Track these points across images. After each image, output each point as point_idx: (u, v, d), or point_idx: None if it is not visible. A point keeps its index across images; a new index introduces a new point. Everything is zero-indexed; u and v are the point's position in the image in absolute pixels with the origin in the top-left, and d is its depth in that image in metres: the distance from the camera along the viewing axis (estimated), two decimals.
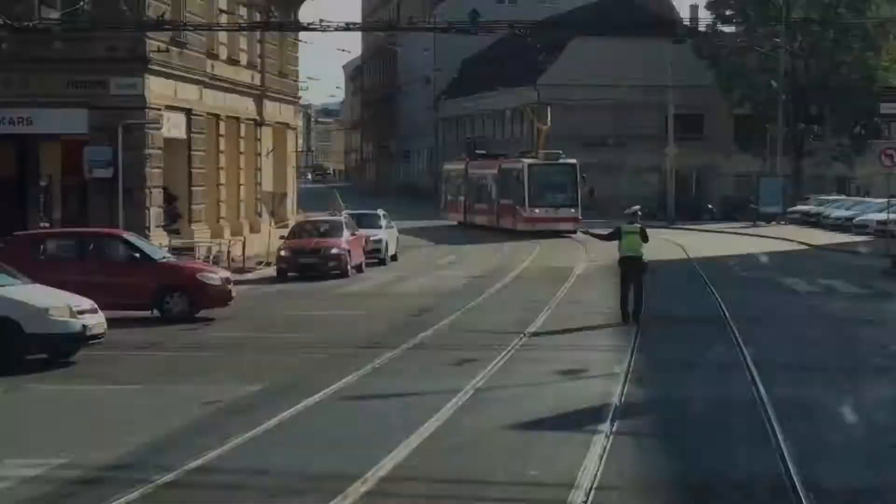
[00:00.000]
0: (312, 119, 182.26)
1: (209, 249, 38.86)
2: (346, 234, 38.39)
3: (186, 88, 38.30)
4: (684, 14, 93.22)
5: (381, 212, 47.68)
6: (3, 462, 12.89)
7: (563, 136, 63.76)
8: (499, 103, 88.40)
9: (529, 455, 13.34)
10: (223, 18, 40.85)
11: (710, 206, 76.21)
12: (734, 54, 76.75)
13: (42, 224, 37.44)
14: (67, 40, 34.78)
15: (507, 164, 59.44)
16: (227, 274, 29.46)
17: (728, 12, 78.98)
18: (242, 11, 43.54)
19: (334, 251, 37.16)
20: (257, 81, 46.43)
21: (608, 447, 13.43)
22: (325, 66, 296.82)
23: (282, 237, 40.61)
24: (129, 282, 26.73)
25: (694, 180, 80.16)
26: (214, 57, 41.23)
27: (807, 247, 51.15)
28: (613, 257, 27.65)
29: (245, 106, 45.07)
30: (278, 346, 22.86)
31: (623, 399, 16.60)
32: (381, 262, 42.77)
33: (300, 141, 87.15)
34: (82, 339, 19.68)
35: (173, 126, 37.36)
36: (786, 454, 12.99)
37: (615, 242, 26.76)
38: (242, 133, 44.88)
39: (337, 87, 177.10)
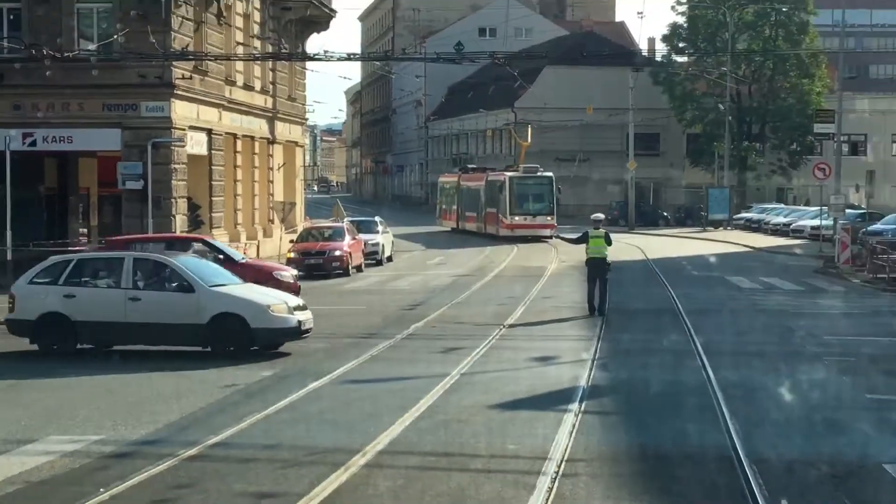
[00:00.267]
0: (318, 137, 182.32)
1: None
2: (347, 238, 38.40)
3: (207, 111, 38.24)
4: (643, 46, 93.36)
5: (377, 219, 47.61)
6: (46, 438, 12.87)
7: (536, 152, 63.83)
8: (480, 124, 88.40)
9: (508, 431, 13.34)
10: (239, 49, 40.80)
11: (665, 213, 76.30)
12: (686, 81, 76.81)
13: (80, 230, 37.39)
14: (103, 69, 34.71)
15: (492, 176, 59.41)
16: (294, 272, 29.76)
17: (681, 44, 79.05)
18: (256, 43, 43.47)
19: (337, 253, 37.18)
20: (269, 105, 46.35)
21: (577, 424, 13.44)
22: (328, 91, 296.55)
23: (291, 241, 40.59)
24: None
25: (651, 191, 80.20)
26: (232, 83, 41.17)
27: (750, 249, 51.21)
28: (581, 258, 27.65)
29: (259, 126, 45.01)
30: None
31: (590, 382, 16.61)
32: (378, 263, 42.74)
33: (307, 157, 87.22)
34: (298, 333, 19.35)
35: (196, 144, 37.31)
36: (731, 429, 13.02)
37: (583, 245, 26.78)
38: (256, 150, 44.82)
39: (339, 110, 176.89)
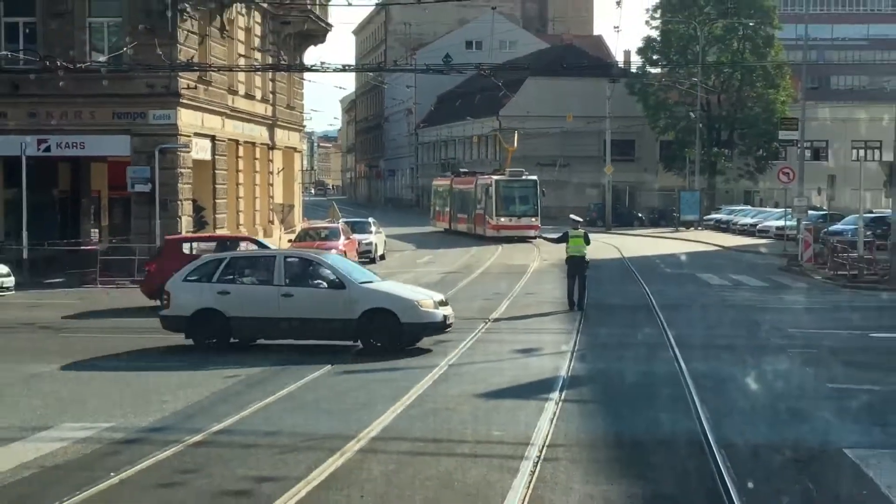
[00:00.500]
0: (315, 144, 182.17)
1: None
2: (342, 238, 38.32)
3: (211, 119, 38.22)
4: (619, 58, 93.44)
5: (371, 220, 47.62)
6: (61, 426, 12.85)
7: (520, 157, 63.81)
8: (467, 131, 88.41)
9: (493, 419, 13.35)
10: (241, 61, 40.77)
11: (640, 214, 76.43)
12: (659, 91, 76.88)
13: (92, 230, 37.33)
14: (113, 79, 34.66)
15: (481, 180, 59.11)
16: None
17: (654, 56, 79.17)
18: (257, 55, 43.44)
19: (333, 252, 37.08)
20: (269, 113, 46.31)
21: (557, 412, 13.46)
22: (325, 100, 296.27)
23: (290, 241, 40.53)
24: None
25: (627, 194, 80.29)
26: (234, 93, 41.13)
27: (719, 248, 51.29)
28: (561, 257, 27.69)
29: (259, 133, 44.96)
30: None
31: (570, 372, 16.63)
32: (372, 261, 42.58)
33: (305, 162, 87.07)
34: (443, 327, 19.04)
35: (200, 149, 37.28)
36: (701, 416, 13.04)
37: (563, 245, 26.82)
38: (257, 155, 44.77)
39: (335, 118, 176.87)
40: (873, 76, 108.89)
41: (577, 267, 26.03)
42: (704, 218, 68.38)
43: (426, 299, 18.99)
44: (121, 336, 21.79)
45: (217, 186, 39.13)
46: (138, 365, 17.82)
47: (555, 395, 14.60)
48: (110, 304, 28.01)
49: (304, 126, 57.47)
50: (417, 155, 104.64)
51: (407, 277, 34.86)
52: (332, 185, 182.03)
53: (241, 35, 41.67)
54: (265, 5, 44.07)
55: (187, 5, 35.15)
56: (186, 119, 35.66)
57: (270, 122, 46.45)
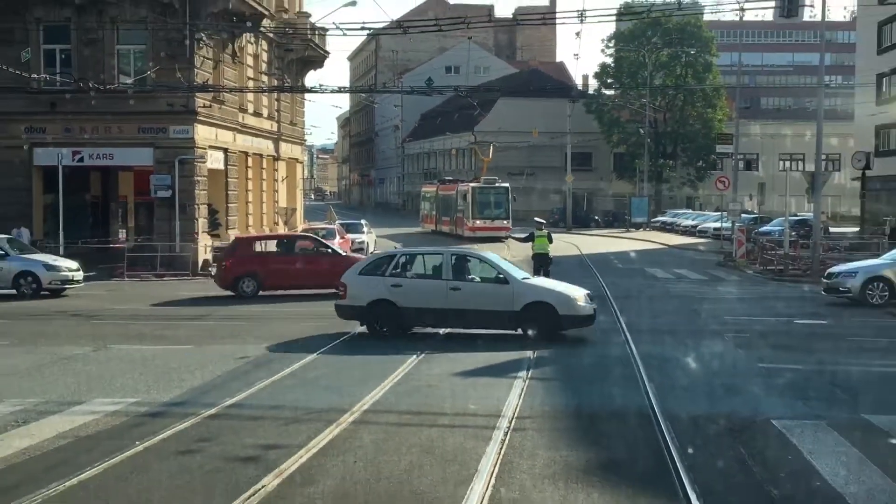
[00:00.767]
0: (314, 155, 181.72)
1: None
2: (337, 237, 38.25)
3: (224, 133, 38.11)
4: (578, 81, 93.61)
5: (363, 221, 47.62)
6: (92, 400, 12.80)
7: (492, 167, 63.77)
8: (447, 144, 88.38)
9: (469, 394, 13.35)
10: (250, 83, 40.66)
11: (596, 217, 76.52)
12: (613, 110, 77.16)
13: (120, 230, 37.20)
14: (138, 98, 34.57)
15: (461, 187, 58.80)
16: None
17: (608, 80, 79.43)
18: (264, 78, 43.33)
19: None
20: (275, 128, 46.19)
21: (525, 388, 13.48)
22: (323, 117, 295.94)
23: None
24: (322, 269, 26.84)
25: (585, 199, 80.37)
26: (244, 111, 41.02)
27: (664, 246, 51.44)
28: (528, 253, 27.72)
29: (266, 146, 44.84)
30: (290, 317, 22.76)
31: (535, 354, 16.62)
32: None
33: (305, 171, 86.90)
34: (592, 319, 18.56)
35: (214, 160, 37.19)
36: (649, 391, 13.08)
37: (530, 243, 26.87)
38: (264, 165, 44.66)
39: (332, 133, 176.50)
40: (797, 98, 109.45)
41: (541, 262, 26.16)
42: (652, 220, 68.58)
43: (580, 294, 18.62)
44: (224, 323, 21.71)
45: (229, 192, 39.05)
46: (155, 344, 17.81)
47: (522, 373, 14.63)
48: (190, 294, 28.15)
49: (304, 140, 57.32)
50: (404, 165, 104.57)
51: None
52: (330, 191, 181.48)
53: (250, 60, 41.55)
54: (271, 35, 43.94)
55: (203, 35, 35.09)
56: (202, 134, 35.57)
57: (276, 136, 46.33)
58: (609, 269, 35.78)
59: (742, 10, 49.80)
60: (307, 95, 53.34)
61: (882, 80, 58.88)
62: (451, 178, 66.63)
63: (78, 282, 28.18)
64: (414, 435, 10.90)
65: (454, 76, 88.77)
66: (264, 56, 43.94)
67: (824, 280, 25.85)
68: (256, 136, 43.01)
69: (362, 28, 37.12)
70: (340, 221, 46.43)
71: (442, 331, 19.35)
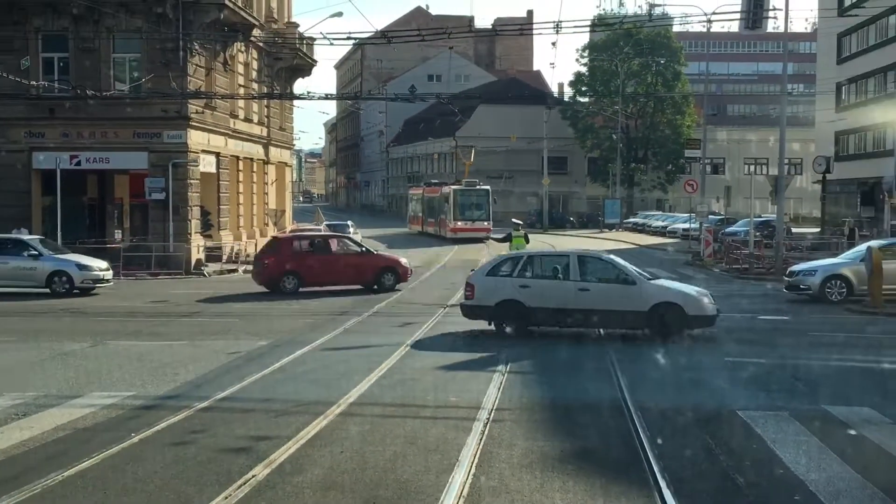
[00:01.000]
0: (302, 159, 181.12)
1: (232, 248, 38.62)
2: None
3: (216, 138, 37.98)
4: (554, 89, 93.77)
5: (349, 222, 47.59)
6: (90, 394, 12.75)
7: (473, 171, 63.71)
8: (429, 149, 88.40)
9: (450, 387, 13.37)
10: (241, 90, 40.55)
11: (571, 218, 76.67)
12: (587, 116, 77.33)
13: (116, 231, 37.02)
14: (133, 105, 34.43)
15: (445, 189, 58.63)
16: (408, 261, 29.76)
17: (583, 88, 79.65)
18: (254, 85, 43.21)
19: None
20: (264, 133, 46.06)
21: (504, 382, 13.50)
22: (311, 123, 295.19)
23: None
24: (355, 266, 27.64)
25: (561, 201, 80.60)
26: (235, 116, 40.89)
27: (635, 246, 51.50)
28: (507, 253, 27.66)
29: (256, 150, 44.72)
30: (279, 314, 22.74)
31: (513, 349, 16.63)
32: None
33: (294, 174, 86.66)
34: (715, 320, 18.09)
35: (207, 164, 37.06)
36: (622, 384, 13.13)
37: (507, 243, 26.91)
38: (254, 169, 44.54)
39: (319, 138, 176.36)
40: (761, 105, 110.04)
41: None
42: (624, 221, 68.75)
43: (704, 295, 18.27)
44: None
45: (221, 195, 38.91)
46: (150, 339, 17.74)
47: (501, 367, 14.64)
48: (229, 290, 28.43)
49: (293, 145, 57.18)
50: (388, 169, 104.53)
51: None
52: (317, 194, 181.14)
53: (241, 69, 41.42)
54: (261, 44, 43.82)
55: (196, 44, 34.99)
56: (195, 138, 35.45)
57: (265, 141, 46.20)
58: None
59: (709, 21, 50.11)
60: (296, 102, 53.12)
61: (841, 88, 59.31)
62: (436, 180, 66.52)
63: (108, 281, 28.01)
64: (398, 426, 10.91)
65: (436, 84, 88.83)
66: (254, 64, 43.81)
67: (786, 278, 25.96)
68: (247, 140, 42.89)
69: (348, 38, 36.68)
70: (328, 223, 46.36)
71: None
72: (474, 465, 9.16)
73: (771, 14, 26.98)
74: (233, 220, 40.67)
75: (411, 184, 76.24)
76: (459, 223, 55.32)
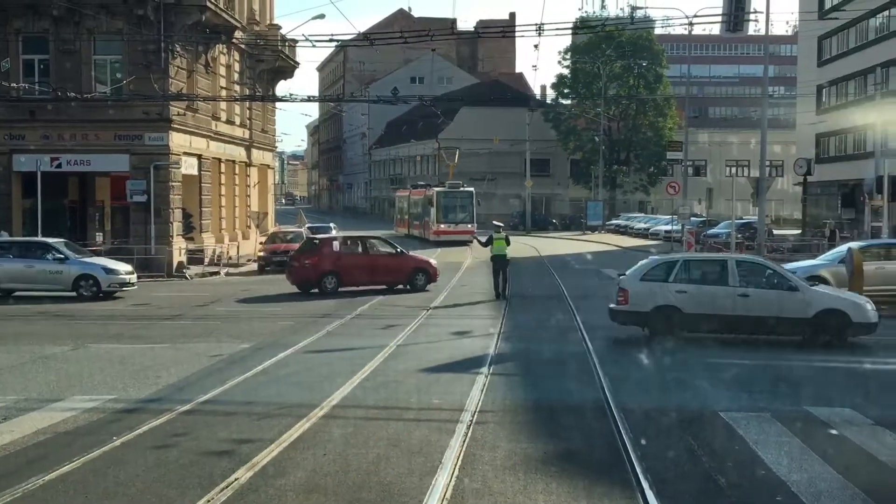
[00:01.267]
0: (285, 161, 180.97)
1: (214, 251, 38.51)
2: None
3: (198, 140, 37.87)
4: (537, 91, 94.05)
5: (332, 224, 47.53)
6: (71, 398, 12.68)
7: (455, 173, 63.85)
8: (412, 151, 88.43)
9: (433, 389, 13.35)
10: (223, 92, 40.44)
11: (554, 220, 76.89)
12: (569, 119, 77.52)
13: (97, 234, 36.85)
14: (115, 107, 34.32)
15: (429, 191, 58.32)
16: (435, 262, 30.42)
17: (565, 90, 79.86)
18: (236, 87, 43.11)
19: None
20: (247, 135, 45.97)
21: (487, 383, 13.49)
22: (293, 125, 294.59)
23: (260, 243, 40.22)
24: (390, 266, 28.39)
25: (543, 203, 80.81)
26: (217, 119, 40.80)
27: (618, 248, 51.66)
28: (489, 255, 27.73)
29: (238, 152, 44.62)
30: (262, 316, 22.68)
31: (497, 351, 16.69)
32: None
33: (276, 177, 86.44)
34: (877, 327, 17.28)
35: (189, 166, 36.95)
36: (604, 386, 13.15)
37: (489, 246, 26.96)
38: (237, 171, 44.44)
39: (302, 140, 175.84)
40: (742, 107, 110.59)
41: (499, 264, 26.22)
42: (606, 223, 68.90)
43: (867, 302, 17.75)
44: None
45: (203, 197, 38.82)
46: (133, 343, 17.64)
47: (484, 369, 14.64)
48: (274, 291, 28.77)
49: (275, 147, 57.05)
50: (371, 171, 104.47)
51: None
52: (300, 196, 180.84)
53: (222, 70, 41.32)
54: (243, 46, 43.74)
55: (177, 46, 34.88)
56: (177, 141, 35.34)
57: (248, 143, 46.11)
58: (566, 270, 35.91)
59: (691, 24, 50.19)
60: (278, 104, 53.16)
61: (822, 90, 59.63)
62: (423, 182, 66.38)
63: (132, 284, 27.78)
64: (381, 429, 10.89)
65: (419, 86, 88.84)
66: (236, 66, 43.72)
67: None
68: (229, 143, 42.79)
69: (331, 40, 36.80)
70: (309, 225, 46.27)
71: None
72: (457, 467, 9.16)
73: (752, 17, 27.12)
74: (215, 222, 40.56)
75: (396, 186, 76.15)
76: (443, 226, 55.05)
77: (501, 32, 35.13)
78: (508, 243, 26.72)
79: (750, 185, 38.48)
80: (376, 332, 19.43)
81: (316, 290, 27.62)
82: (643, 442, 10.12)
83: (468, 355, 16.35)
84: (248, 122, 46.11)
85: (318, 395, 12.50)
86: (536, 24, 32.28)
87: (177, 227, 35.51)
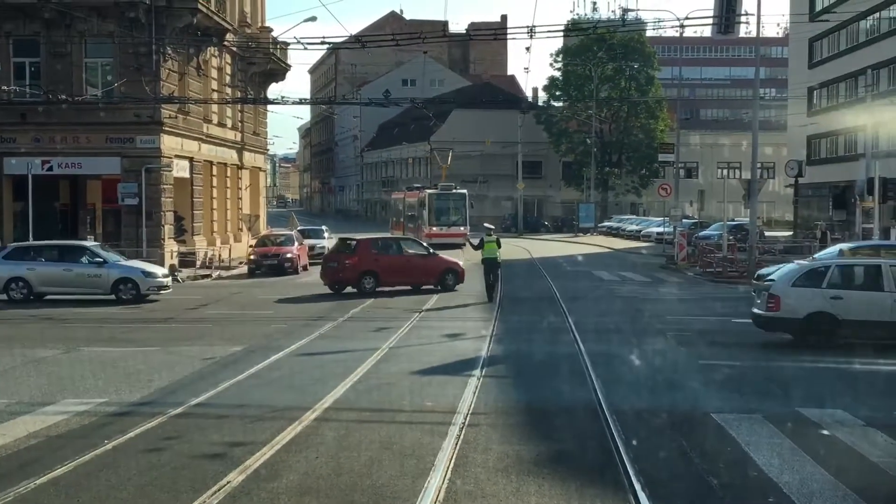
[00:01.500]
0: (276, 164, 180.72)
1: (206, 253, 38.44)
2: (295, 243, 38.13)
3: (189, 143, 37.83)
4: (528, 94, 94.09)
5: (324, 227, 47.46)
6: (62, 401, 12.65)
7: (447, 176, 63.77)
8: (404, 154, 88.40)
9: (426, 392, 13.36)
10: (214, 95, 40.41)
11: (545, 222, 76.94)
12: (561, 121, 77.59)
13: (88, 237, 36.75)
14: (106, 110, 34.29)
15: (422, 193, 57.98)
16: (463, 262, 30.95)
17: (557, 93, 79.88)
18: (228, 90, 43.07)
19: (289, 255, 36.79)
20: (238, 138, 45.93)
21: (479, 385, 13.50)
22: (285, 128, 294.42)
23: (250, 246, 40.17)
24: (426, 268, 28.90)
25: (535, 205, 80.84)
26: (209, 121, 40.75)
27: (610, 250, 51.71)
28: (480, 258, 27.74)
29: (230, 155, 44.56)
30: (254, 320, 22.64)
31: (489, 353, 16.69)
32: None
33: (268, 179, 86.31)
34: None
35: (180, 169, 36.90)
36: (596, 387, 13.17)
37: (481, 249, 26.99)
38: (228, 174, 44.39)
39: (293, 142, 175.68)
40: (734, 109, 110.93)
41: (491, 267, 26.24)
42: (598, 225, 68.97)
43: None
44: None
45: (195, 200, 38.76)
46: (125, 346, 17.61)
47: (477, 371, 14.65)
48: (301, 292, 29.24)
49: (267, 149, 56.96)
50: (362, 173, 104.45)
51: None
52: (292, 199, 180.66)
53: (214, 73, 41.28)
54: (235, 49, 43.71)
55: (169, 48, 34.85)
56: (168, 143, 35.30)
57: (239, 146, 46.06)
58: (558, 272, 35.94)
59: (682, 26, 50.29)
60: (269, 107, 53.20)
61: (813, 92, 59.79)
62: (419, 185, 66.10)
63: (168, 287, 27.71)
64: (373, 431, 10.89)
65: (411, 88, 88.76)
66: (228, 69, 43.68)
67: (754, 282, 26.10)
68: (221, 145, 42.74)
69: (322, 42, 36.94)
70: (301, 228, 46.23)
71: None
72: (450, 469, 9.17)
73: (743, 19, 27.19)
74: (206, 225, 40.50)
75: (388, 188, 76.01)
76: (434, 228, 54.70)
77: (493, 35, 35.29)
78: (500, 246, 26.75)
79: (741, 187, 38.56)
80: (369, 334, 19.42)
81: (353, 290, 28.16)
82: (635, 443, 10.14)
83: (460, 357, 16.36)
84: (239, 124, 46.07)
85: (311, 397, 12.50)
86: (528, 27, 32.37)
87: (168, 229, 35.48)
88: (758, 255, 34.39)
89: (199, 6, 35.09)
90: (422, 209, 56.24)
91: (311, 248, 41.25)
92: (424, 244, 30.92)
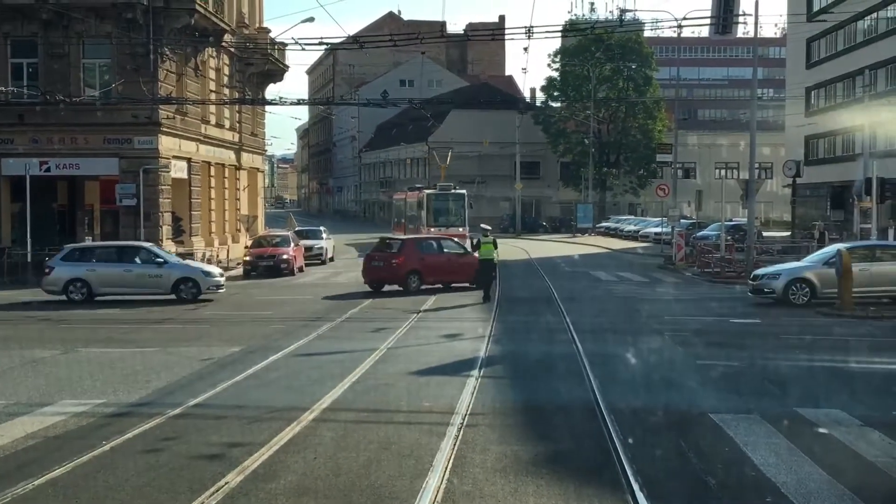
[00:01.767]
0: (275, 165, 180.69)
1: (204, 254, 38.44)
2: (292, 244, 38.10)
3: (187, 144, 37.84)
4: (526, 94, 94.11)
5: (322, 228, 47.42)
6: (60, 402, 12.64)
7: (446, 176, 63.69)
8: (402, 154, 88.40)
9: (424, 392, 13.35)
10: (212, 96, 40.42)
11: (543, 223, 76.98)
12: (559, 121, 77.65)
13: (87, 238, 36.76)
14: (104, 110, 34.30)
15: (421, 194, 57.76)
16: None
17: (555, 93, 79.94)
18: (226, 91, 43.07)
19: (285, 256, 36.75)
20: (236, 139, 45.93)
21: (477, 386, 13.50)
22: (283, 128, 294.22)
23: (246, 247, 40.15)
24: (464, 266, 29.17)
25: (533, 206, 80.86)
26: (207, 122, 40.76)
27: (608, 250, 51.77)
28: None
29: (228, 156, 44.57)
30: (252, 320, 22.64)
31: (487, 353, 16.67)
32: (322, 263, 42.52)
33: (266, 180, 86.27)
34: None
35: (178, 170, 36.90)
36: (594, 387, 13.17)
37: (479, 250, 27.01)
38: (226, 175, 44.40)
39: (291, 143, 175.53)
40: (732, 110, 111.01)
41: (487, 267, 26.24)
42: (596, 225, 69.02)
43: None
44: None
45: (192, 201, 38.76)
46: (123, 347, 17.60)
47: (475, 372, 14.64)
48: (340, 291, 29.71)
49: (265, 150, 56.97)
50: (360, 174, 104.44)
51: (351, 276, 34.80)
52: (290, 200, 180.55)
53: (212, 74, 41.28)
54: (232, 49, 43.71)
55: (167, 49, 34.85)
56: (166, 144, 35.31)
57: (237, 146, 46.06)
58: (556, 272, 35.95)
59: (680, 27, 50.21)
60: (267, 107, 53.25)
61: (810, 93, 59.86)
62: (420, 185, 65.88)
63: (222, 287, 27.89)
64: (372, 432, 10.89)
65: (408, 89, 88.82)
66: (226, 70, 43.68)
67: (750, 282, 26.13)
68: (219, 146, 42.74)
69: (320, 43, 36.63)
70: (299, 228, 46.25)
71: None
72: (448, 469, 9.17)
73: (741, 19, 27.17)
74: (204, 225, 40.49)
75: (386, 189, 75.93)
76: (433, 228, 54.62)
77: (491, 35, 35.28)
78: (496, 246, 26.75)
79: (739, 187, 38.57)
80: (367, 335, 19.42)
81: (399, 288, 28.67)
82: (633, 443, 10.14)
83: (458, 358, 16.35)
84: (237, 125, 46.07)
85: (309, 398, 12.50)
86: (526, 27, 32.33)
87: (166, 230, 35.48)
88: (756, 255, 34.39)
89: (197, 7, 35.10)
90: (420, 209, 56.13)
91: (310, 248, 41.26)
92: (459, 243, 31.54)
